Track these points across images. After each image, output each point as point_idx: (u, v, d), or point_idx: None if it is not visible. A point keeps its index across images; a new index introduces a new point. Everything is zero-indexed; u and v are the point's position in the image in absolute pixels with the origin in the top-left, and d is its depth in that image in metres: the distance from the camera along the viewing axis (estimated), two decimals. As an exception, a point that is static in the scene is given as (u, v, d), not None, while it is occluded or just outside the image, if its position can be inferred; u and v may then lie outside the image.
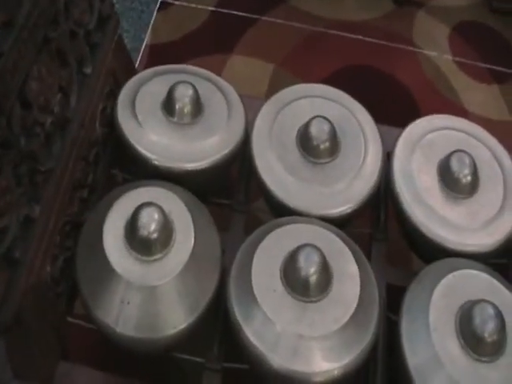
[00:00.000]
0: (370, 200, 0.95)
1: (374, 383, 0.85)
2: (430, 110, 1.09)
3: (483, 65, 1.52)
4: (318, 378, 0.78)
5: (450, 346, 0.79)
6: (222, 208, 0.99)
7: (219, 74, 1.04)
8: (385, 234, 0.99)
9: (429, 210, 0.92)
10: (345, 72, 1.45)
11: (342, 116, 1.00)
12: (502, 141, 1.02)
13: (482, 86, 1.49)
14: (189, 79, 0.98)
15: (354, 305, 0.80)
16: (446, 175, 0.94)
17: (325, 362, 0.77)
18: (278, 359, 0.77)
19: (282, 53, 1.47)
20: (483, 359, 0.78)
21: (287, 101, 1.01)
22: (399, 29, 1.58)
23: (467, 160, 0.94)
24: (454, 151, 0.95)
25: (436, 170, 0.96)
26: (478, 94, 1.48)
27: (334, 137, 0.94)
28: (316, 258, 0.80)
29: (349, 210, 0.93)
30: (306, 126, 0.95)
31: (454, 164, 0.94)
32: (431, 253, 0.92)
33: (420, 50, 1.54)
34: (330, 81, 1.41)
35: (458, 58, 1.53)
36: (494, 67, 1.52)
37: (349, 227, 0.97)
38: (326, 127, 0.95)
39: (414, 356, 0.79)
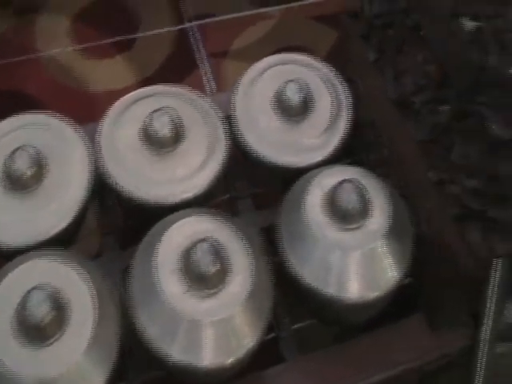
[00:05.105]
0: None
1: None
2: (59, 108, 1.06)
3: (106, 41, 1.52)
4: None
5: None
6: None
7: None
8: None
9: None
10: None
11: None
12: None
13: (106, 62, 1.49)
14: None
15: None
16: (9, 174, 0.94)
17: None
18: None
19: None
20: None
21: None
22: (22, 40, 1.54)
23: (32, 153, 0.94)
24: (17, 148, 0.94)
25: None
26: (107, 71, 1.47)
27: None
28: None
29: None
30: None
31: (17, 161, 0.93)
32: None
33: (43, 54, 1.50)
34: None
35: (80, 46, 1.51)
36: (116, 39, 1.52)
37: None
38: None
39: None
